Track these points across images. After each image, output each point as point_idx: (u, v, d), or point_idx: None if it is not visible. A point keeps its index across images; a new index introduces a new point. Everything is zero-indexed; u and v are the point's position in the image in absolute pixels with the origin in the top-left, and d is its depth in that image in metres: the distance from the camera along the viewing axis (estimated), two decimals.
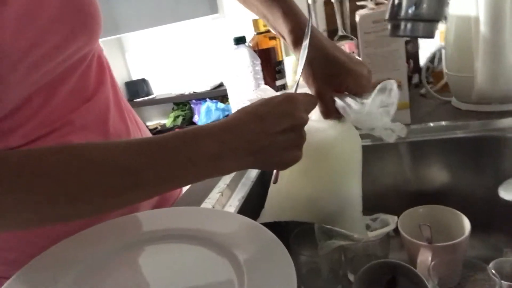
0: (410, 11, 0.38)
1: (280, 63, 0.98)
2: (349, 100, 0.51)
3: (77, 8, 0.52)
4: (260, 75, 0.90)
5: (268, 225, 0.47)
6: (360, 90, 0.54)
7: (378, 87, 0.48)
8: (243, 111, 0.44)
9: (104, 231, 0.48)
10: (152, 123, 3.74)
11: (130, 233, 0.47)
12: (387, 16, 0.42)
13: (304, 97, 0.49)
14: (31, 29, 0.46)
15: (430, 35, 0.40)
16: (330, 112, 0.55)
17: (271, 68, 0.97)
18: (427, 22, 0.39)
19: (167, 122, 3.58)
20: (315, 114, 0.56)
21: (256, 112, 0.44)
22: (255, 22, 0.95)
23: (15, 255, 0.54)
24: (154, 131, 3.55)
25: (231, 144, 0.41)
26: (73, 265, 0.42)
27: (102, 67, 0.63)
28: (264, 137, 0.43)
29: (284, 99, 0.45)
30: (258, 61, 0.89)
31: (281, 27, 0.57)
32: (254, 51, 0.93)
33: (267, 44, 0.96)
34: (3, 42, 0.43)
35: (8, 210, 0.36)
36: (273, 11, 0.57)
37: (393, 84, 0.47)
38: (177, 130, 0.50)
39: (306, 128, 0.47)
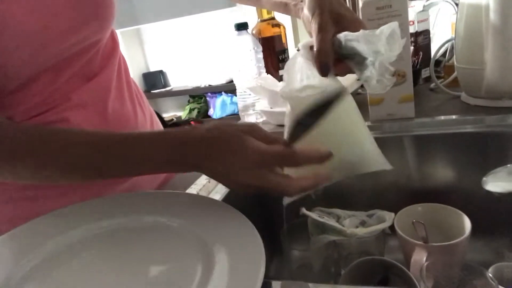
0: None
1: (284, 51, 0.95)
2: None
3: None
4: (262, 63, 0.88)
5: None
6: None
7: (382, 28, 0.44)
8: (216, 145, 0.42)
9: (77, 212, 0.49)
10: (168, 114, 3.76)
11: (102, 215, 0.47)
12: None
13: (279, 155, 0.42)
14: (44, 11, 0.49)
15: None
16: (326, 57, 0.46)
17: (274, 56, 0.94)
18: None
19: (183, 114, 3.59)
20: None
21: (223, 159, 0.41)
22: (258, 9, 0.92)
23: (6, 227, 0.54)
24: (170, 122, 3.56)
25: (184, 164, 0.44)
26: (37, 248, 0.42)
27: (111, 50, 0.64)
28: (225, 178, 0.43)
29: (256, 159, 0.41)
30: (260, 49, 0.86)
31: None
32: (257, 39, 0.91)
33: (270, 31, 0.93)
34: (15, 19, 0.46)
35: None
36: None
37: (395, 26, 0.44)
38: (166, 130, 0.50)
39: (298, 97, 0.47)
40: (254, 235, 0.38)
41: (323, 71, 0.46)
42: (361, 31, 0.45)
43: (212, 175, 0.43)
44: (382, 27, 0.44)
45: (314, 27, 0.47)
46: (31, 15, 0.48)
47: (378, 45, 0.44)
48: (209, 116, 3.48)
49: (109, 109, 0.61)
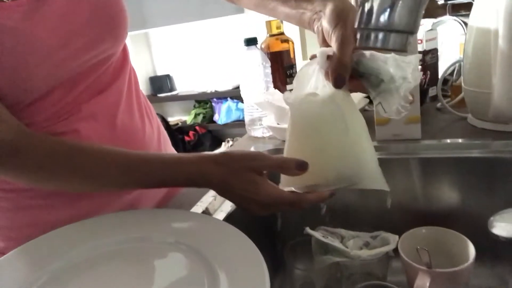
0: (380, 20, 0.35)
1: (292, 66, 0.96)
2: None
3: (106, 16, 0.58)
4: (270, 78, 0.88)
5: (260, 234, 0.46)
6: None
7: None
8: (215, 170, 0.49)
9: (88, 228, 0.50)
10: (174, 119, 3.77)
11: (109, 233, 0.47)
12: (356, 24, 0.38)
13: (289, 202, 0.49)
14: (63, 30, 0.52)
15: (402, 48, 0.37)
16: (344, 70, 0.46)
17: (282, 71, 0.94)
18: (399, 33, 0.36)
19: (188, 119, 3.61)
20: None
21: (234, 195, 0.50)
22: (268, 24, 0.93)
23: (17, 233, 0.60)
24: (175, 127, 3.58)
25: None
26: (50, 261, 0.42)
27: (122, 62, 0.66)
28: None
29: (268, 201, 0.48)
30: (269, 64, 0.87)
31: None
32: (266, 53, 0.91)
33: (279, 47, 0.93)
34: (39, 37, 0.49)
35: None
36: None
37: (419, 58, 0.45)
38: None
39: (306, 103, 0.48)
40: (260, 265, 0.38)
41: (338, 84, 0.46)
42: (392, 54, 0.44)
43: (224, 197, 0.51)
44: (410, 57, 0.44)
45: (335, 38, 0.46)
46: (52, 34, 0.51)
47: (407, 72, 0.44)
48: (214, 122, 3.49)
49: (118, 122, 0.62)
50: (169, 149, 0.77)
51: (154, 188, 0.54)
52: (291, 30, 0.61)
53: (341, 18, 0.46)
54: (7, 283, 0.39)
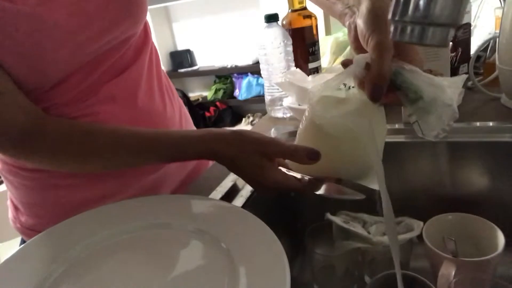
0: (418, 12, 0.31)
1: (315, 44, 0.92)
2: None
3: None
4: (291, 56, 0.85)
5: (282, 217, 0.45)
6: None
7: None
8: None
9: (108, 214, 0.50)
10: (194, 94, 3.77)
11: (126, 219, 0.47)
12: (389, 15, 0.34)
13: (292, 189, 0.49)
14: (81, 14, 0.51)
15: (442, 43, 0.33)
16: (383, 81, 0.41)
17: (304, 49, 0.91)
18: (439, 27, 0.32)
19: (208, 94, 3.60)
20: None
21: (244, 173, 0.50)
22: None
23: (45, 211, 0.64)
24: (195, 102, 3.58)
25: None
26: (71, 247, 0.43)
27: (143, 42, 0.65)
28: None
29: (272, 186, 0.48)
30: (290, 41, 0.84)
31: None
32: (287, 30, 0.88)
33: (301, 23, 0.90)
34: (56, 22, 0.49)
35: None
36: None
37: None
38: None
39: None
40: (281, 257, 0.37)
41: (375, 96, 0.42)
42: (441, 77, 0.41)
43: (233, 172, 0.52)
44: (455, 78, 0.41)
45: (373, 45, 0.42)
46: (69, 18, 0.50)
47: (451, 98, 0.40)
48: (235, 97, 3.47)
49: (139, 103, 0.61)
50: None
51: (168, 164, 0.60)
52: (314, 5, 0.58)
53: (380, 21, 0.41)
54: (27, 273, 0.39)
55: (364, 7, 0.43)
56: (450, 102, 0.40)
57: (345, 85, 0.46)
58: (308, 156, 0.46)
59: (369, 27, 0.42)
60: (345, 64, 0.46)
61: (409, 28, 0.33)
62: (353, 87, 0.46)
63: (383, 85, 0.41)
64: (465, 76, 0.41)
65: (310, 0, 0.59)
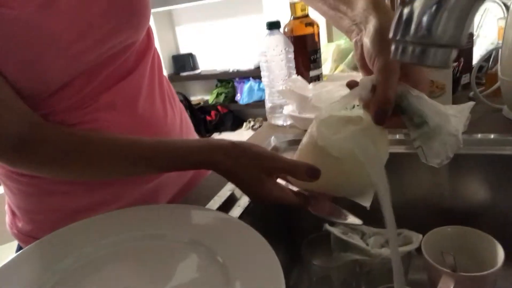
0: (420, 32, 0.30)
1: (316, 51, 0.92)
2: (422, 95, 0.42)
3: (123, 5, 0.55)
4: (293, 64, 0.85)
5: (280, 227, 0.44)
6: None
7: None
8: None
9: (103, 224, 0.49)
10: (196, 98, 3.78)
11: (121, 229, 0.47)
12: (391, 34, 0.33)
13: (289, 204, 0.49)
14: (80, 22, 0.51)
15: (444, 64, 0.32)
16: (388, 105, 0.41)
17: (305, 57, 0.90)
18: (441, 48, 0.32)
19: (210, 98, 3.60)
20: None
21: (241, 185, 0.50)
22: (292, 6, 0.89)
23: (42, 217, 0.63)
24: (197, 106, 3.58)
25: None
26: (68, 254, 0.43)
27: (145, 47, 0.64)
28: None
29: (269, 199, 0.48)
30: (292, 49, 0.83)
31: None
32: (289, 37, 0.88)
33: (303, 30, 0.89)
34: (54, 30, 0.48)
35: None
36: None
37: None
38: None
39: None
40: (276, 270, 0.37)
41: (379, 119, 0.41)
42: (448, 106, 0.41)
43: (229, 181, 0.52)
44: (462, 106, 0.40)
45: (379, 68, 0.41)
46: (68, 26, 0.50)
47: (457, 128, 0.40)
48: (236, 102, 3.48)
49: (139, 109, 0.61)
50: (191, 136, 0.76)
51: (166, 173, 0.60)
52: (316, 13, 0.58)
53: (386, 42, 0.40)
54: (19, 284, 0.39)
55: (371, 26, 0.43)
56: (455, 133, 0.40)
57: None
58: (308, 173, 0.46)
59: (376, 48, 0.42)
60: (350, 85, 0.45)
61: (410, 48, 0.32)
62: (357, 105, 0.45)
63: (388, 109, 0.41)
64: (471, 104, 0.41)
65: (319, 13, 0.58)
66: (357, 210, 0.63)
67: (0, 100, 0.47)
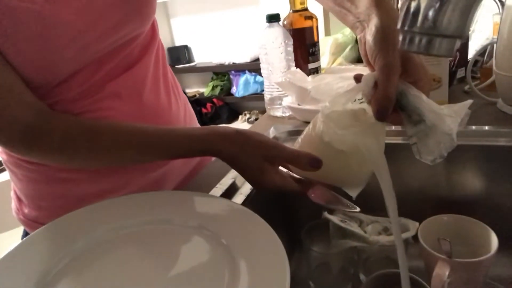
0: (427, 23, 0.32)
1: (315, 44, 0.93)
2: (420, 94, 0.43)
3: None
4: (292, 56, 0.86)
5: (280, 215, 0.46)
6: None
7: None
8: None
9: (111, 208, 0.50)
10: (191, 90, 3.76)
11: (128, 214, 0.48)
12: (398, 25, 0.35)
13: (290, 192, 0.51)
14: (90, 12, 0.51)
15: (448, 54, 0.34)
16: (389, 102, 0.42)
17: (304, 49, 0.92)
18: (447, 38, 0.33)
19: (205, 91, 3.59)
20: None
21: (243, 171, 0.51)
22: None
23: (49, 203, 0.64)
24: (192, 98, 3.58)
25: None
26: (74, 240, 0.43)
27: (150, 39, 0.65)
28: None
29: (271, 186, 0.50)
30: (291, 41, 0.84)
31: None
32: (288, 30, 0.88)
33: (302, 23, 0.90)
34: (65, 20, 0.48)
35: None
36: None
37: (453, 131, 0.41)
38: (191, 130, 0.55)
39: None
40: (280, 253, 0.38)
41: (381, 116, 0.43)
42: (443, 106, 0.42)
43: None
44: (457, 107, 0.41)
45: (380, 66, 0.42)
46: (78, 16, 0.50)
47: (452, 128, 0.41)
48: (232, 94, 3.47)
49: (144, 99, 0.62)
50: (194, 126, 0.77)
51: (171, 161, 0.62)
52: (315, 6, 0.58)
53: (388, 41, 0.42)
54: (29, 267, 0.40)
55: (373, 24, 0.44)
56: (449, 132, 0.41)
57: None
58: (310, 163, 0.47)
59: (377, 46, 0.43)
60: (357, 78, 0.46)
61: (417, 39, 0.34)
62: (359, 99, 0.47)
63: (389, 106, 0.42)
64: (469, 102, 0.42)
65: (326, 8, 0.58)
66: (355, 199, 0.65)
67: (8, 90, 0.48)
